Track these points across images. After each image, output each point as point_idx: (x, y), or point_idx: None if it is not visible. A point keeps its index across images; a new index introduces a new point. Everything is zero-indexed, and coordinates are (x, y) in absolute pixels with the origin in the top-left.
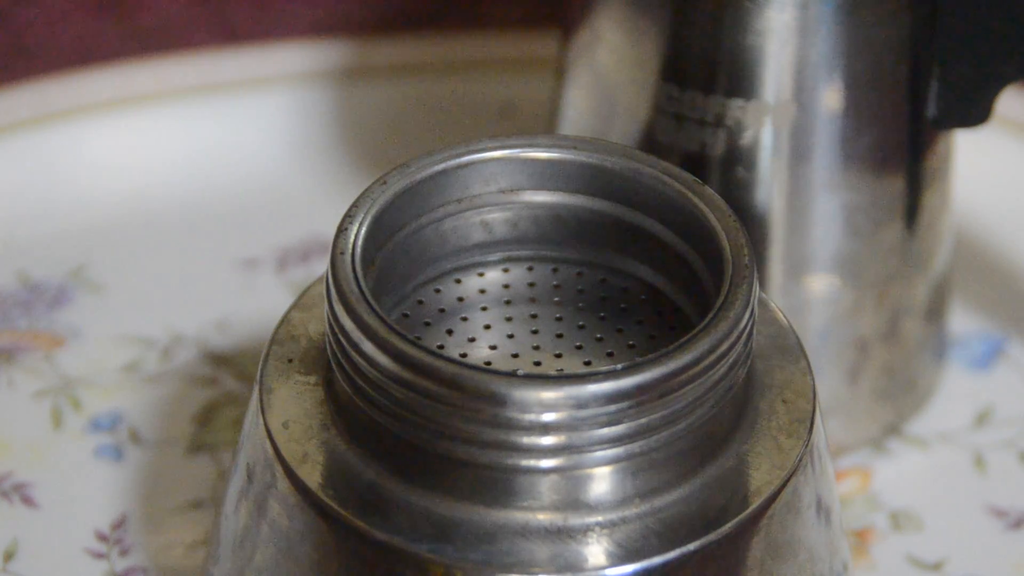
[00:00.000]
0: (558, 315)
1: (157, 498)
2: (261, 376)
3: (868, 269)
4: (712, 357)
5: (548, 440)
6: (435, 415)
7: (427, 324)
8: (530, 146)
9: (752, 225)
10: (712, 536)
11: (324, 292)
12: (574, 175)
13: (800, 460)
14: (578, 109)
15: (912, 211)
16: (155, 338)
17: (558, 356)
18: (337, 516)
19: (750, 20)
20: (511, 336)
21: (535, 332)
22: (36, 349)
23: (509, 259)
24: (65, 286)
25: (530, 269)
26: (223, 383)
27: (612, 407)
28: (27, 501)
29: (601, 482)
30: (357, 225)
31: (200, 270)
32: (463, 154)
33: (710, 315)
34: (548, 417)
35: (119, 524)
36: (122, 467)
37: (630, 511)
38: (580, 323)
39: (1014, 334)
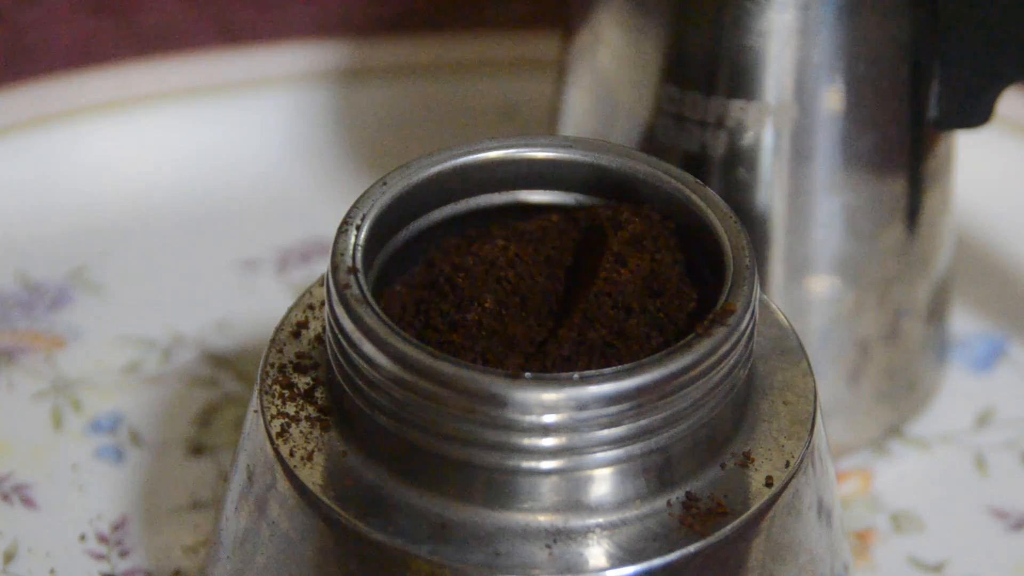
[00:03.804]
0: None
1: (157, 499)
2: (261, 377)
3: (869, 270)
4: (713, 359)
5: (549, 441)
6: (435, 416)
7: None
8: (530, 146)
9: (753, 226)
10: (713, 538)
11: (324, 293)
12: (574, 175)
13: (801, 461)
14: (579, 110)
15: (913, 212)
16: (155, 339)
17: None
18: (337, 517)
19: (751, 21)
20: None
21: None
22: (36, 350)
23: None
24: (65, 287)
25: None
26: (223, 384)
27: (613, 409)
28: (27, 502)
29: (602, 484)
30: (357, 226)
31: (200, 271)
32: (463, 155)
33: (711, 316)
34: (549, 419)
35: (119, 525)
36: (122, 468)
37: (631, 513)
38: None
39: (1015, 335)
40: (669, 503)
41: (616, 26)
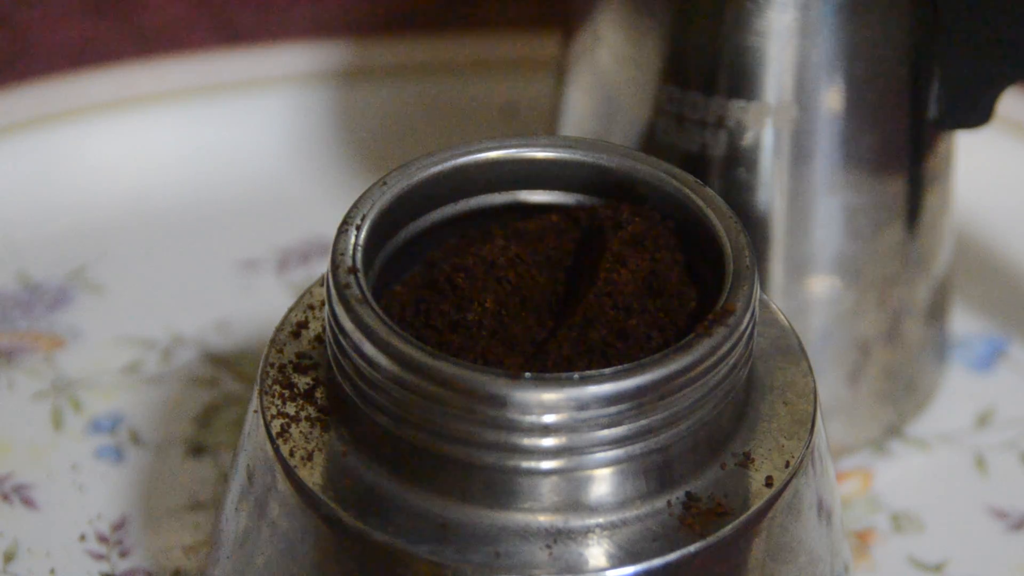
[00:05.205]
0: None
1: (157, 499)
2: (261, 377)
3: (869, 270)
4: (713, 359)
5: (549, 441)
6: (435, 416)
7: None
8: (529, 146)
9: (753, 226)
10: (713, 538)
11: (324, 293)
12: (574, 175)
13: (801, 461)
14: (579, 110)
15: (913, 212)
16: (155, 339)
17: None
18: (337, 517)
19: (751, 21)
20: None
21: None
22: (36, 350)
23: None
24: (65, 287)
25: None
26: (223, 384)
27: (613, 409)
28: (27, 502)
29: (602, 484)
30: (357, 226)
31: (200, 271)
32: (463, 155)
33: (711, 316)
34: (549, 419)
35: (119, 525)
36: (122, 468)
37: (631, 513)
38: None
39: (1015, 335)
40: (669, 503)
41: (616, 26)
